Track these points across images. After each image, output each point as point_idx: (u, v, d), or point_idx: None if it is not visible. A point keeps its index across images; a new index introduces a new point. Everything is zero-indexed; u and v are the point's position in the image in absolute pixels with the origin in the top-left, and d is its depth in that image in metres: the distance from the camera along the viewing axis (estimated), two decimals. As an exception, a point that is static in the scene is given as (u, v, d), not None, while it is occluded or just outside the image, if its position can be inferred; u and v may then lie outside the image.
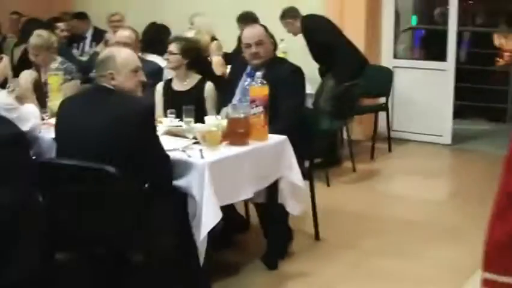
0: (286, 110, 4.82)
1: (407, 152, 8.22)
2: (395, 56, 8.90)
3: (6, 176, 3.02)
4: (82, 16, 9.77)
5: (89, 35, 9.62)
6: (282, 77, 4.95)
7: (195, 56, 5.45)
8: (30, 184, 3.22)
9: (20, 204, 3.08)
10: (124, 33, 6.11)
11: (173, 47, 5.34)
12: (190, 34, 6.56)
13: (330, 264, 4.84)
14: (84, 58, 8.46)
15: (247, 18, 7.58)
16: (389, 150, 8.15)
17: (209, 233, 3.98)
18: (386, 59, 8.83)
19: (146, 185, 3.96)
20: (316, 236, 5.26)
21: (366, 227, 5.64)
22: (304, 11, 7.78)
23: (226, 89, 5.38)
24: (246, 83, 4.74)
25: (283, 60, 5.51)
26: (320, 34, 7.54)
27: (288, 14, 7.72)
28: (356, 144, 7.87)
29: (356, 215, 5.93)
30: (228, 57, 7.30)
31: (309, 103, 6.69)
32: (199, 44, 6.01)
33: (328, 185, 6.67)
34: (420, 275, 4.63)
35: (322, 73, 7.64)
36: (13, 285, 3.15)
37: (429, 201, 6.39)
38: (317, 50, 7.54)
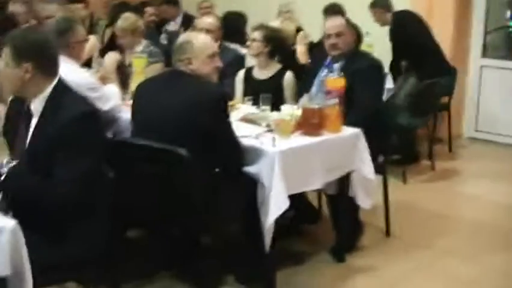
0: (361, 102, 4.82)
1: (490, 153, 8.03)
2: (484, 55, 8.70)
3: (77, 151, 3.13)
4: (171, 2, 9.91)
5: (178, 20, 9.75)
6: (361, 70, 4.95)
7: (277, 45, 5.50)
8: (101, 161, 3.32)
9: (89, 179, 3.19)
10: (207, 20, 6.20)
11: (256, 34, 5.41)
12: (275, 23, 6.63)
13: (398, 261, 4.82)
14: (164, 41, 8.58)
15: (332, 10, 7.58)
16: (452, 150, 8.06)
17: (277, 220, 4.04)
18: (474, 58, 8.67)
19: (217, 170, 4.04)
20: (387, 232, 5.25)
21: (438, 226, 5.57)
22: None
23: (305, 79, 5.42)
24: (323, 74, 4.76)
25: (364, 54, 5.51)
26: (410, 31, 7.50)
27: (380, 3, 7.70)
28: (437, 143, 7.77)
29: (430, 214, 5.85)
30: (312, 48, 7.31)
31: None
32: (282, 33, 6.05)
33: (404, 182, 6.62)
34: (489, 281, 4.57)
35: (395, 69, 7.59)
36: (75, 259, 3.27)
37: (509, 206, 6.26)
38: (403, 46, 7.48)
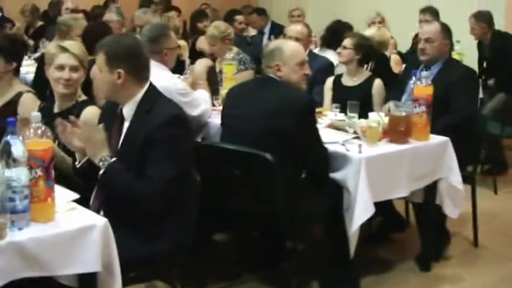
0: (459, 107, 4.84)
1: None
2: None
3: (168, 153, 3.23)
4: (261, 12, 10.05)
5: (267, 30, 9.90)
6: (455, 79, 4.96)
7: (368, 53, 5.52)
8: (190, 163, 3.42)
9: (179, 180, 3.28)
10: (296, 28, 6.29)
11: (346, 42, 5.45)
12: (371, 30, 6.66)
13: (485, 272, 4.76)
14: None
15: (428, 10, 7.63)
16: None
17: (363, 227, 4.06)
18: None
19: (303, 175, 4.09)
20: (475, 243, 5.18)
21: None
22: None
23: (395, 87, 5.43)
24: (412, 81, 4.74)
25: (458, 63, 5.47)
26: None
27: (484, 18, 7.65)
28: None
29: (521, 226, 5.76)
30: (401, 56, 7.30)
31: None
32: (373, 41, 6.06)
33: (495, 192, 6.51)
34: None
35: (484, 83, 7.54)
36: (162, 257, 3.37)
37: None
38: (500, 65, 7.41)
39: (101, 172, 3.26)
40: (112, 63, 3.33)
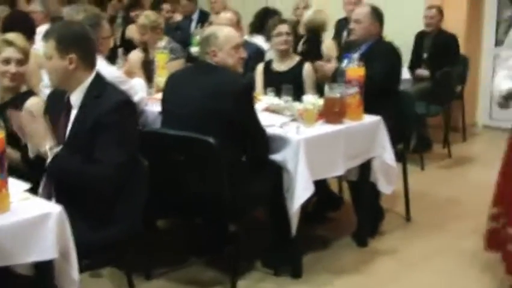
0: (369, 75, 4.75)
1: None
2: (497, 44, 8.75)
3: (118, 136, 3.27)
4: None
5: (195, 16, 9.88)
6: (376, 52, 5.13)
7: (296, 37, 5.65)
8: (137, 149, 3.46)
9: (129, 164, 3.33)
10: (225, 16, 6.36)
11: (285, 28, 5.51)
12: (309, 12, 6.76)
13: (418, 244, 4.95)
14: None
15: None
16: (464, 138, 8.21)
17: (301, 206, 4.17)
18: (487, 48, 8.76)
19: (243, 159, 4.18)
20: (407, 217, 5.38)
21: (455, 211, 5.69)
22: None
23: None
24: (344, 64, 4.88)
25: (385, 42, 5.62)
26: None
27: (441, 11, 8.01)
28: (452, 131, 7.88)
29: (447, 200, 5.98)
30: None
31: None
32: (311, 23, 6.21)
33: (422, 169, 6.74)
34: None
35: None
36: (115, 243, 3.40)
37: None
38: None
39: (48, 161, 3.26)
40: (63, 49, 3.33)
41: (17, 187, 3.02)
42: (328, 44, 6.78)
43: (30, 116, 3.35)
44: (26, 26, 5.52)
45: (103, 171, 3.24)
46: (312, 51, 6.01)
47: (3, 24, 5.96)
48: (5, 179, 2.79)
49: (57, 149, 3.28)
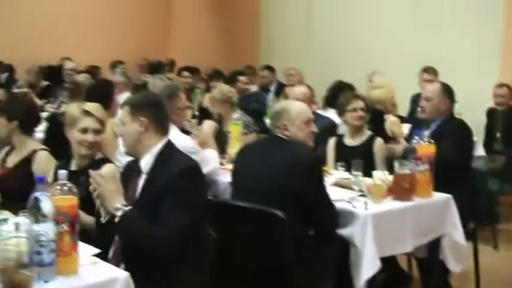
0: (439, 153, 4.73)
1: None
2: None
3: (184, 201, 3.34)
4: (271, 69, 10.18)
5: (273, 87, 10.05)
6: (449, 129, 5.13)
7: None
8: (205, 217, 3.52)
9: (194, 229, 3.38)
10: (299, 90, 6.45)
11: (361, 103, 5.60)
12: (376, 90, 6.80)
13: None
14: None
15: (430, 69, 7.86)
16: None
17: (369, 282, 4.14)
18: None
19: (311, 232, 4.20)
20: (478, 297, 5.27)
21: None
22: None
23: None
24: (414, 140, 4.88)
25: (456, 120, 5.61)
26: None
27: None
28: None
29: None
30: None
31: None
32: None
33: (495, 248, 6.61)
34: None
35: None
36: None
37: None
38: None
39: (116, 220, 3.33)
40: (135, 113, 3.50)
41: (86, 251, 3.11)
42: (392, 121, 6.80)
43: (105, 179, 3.45)
44: (106, 95, 5.73)
45: (165, 233, 3.29)
46: (376, 128, 6.01)
47: (86, 93, 6.19)
48: (76, 242, 2.90)
49: (126, 209, 3.35)
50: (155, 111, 3.57)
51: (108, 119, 4.41)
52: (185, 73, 10.01)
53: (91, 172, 3.46)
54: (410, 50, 9.65)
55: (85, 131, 4.02)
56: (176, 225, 3.30)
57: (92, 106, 4.17)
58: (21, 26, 11.84)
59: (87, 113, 4.05)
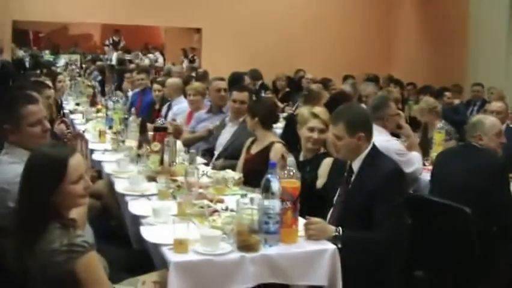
0: None
1: None
2: None
3: (395, 207, 3.33)
4: (482, 85, 9.85)
5: (479, 102, 9.74)
6: None
7: None
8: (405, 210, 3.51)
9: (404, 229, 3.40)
10: (496, 104, 6.25)
11: None
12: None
13: None
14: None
15: None
16: None
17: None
18: None
19: (494, 229, 4.05)
20: None
21: None
22: None
23: None
24: None
25: None
26: None
27: None
28: None
29: None
30: None
31: None
32: None
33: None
34: None
35: None
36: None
37: None
38: None
39: (340, 246, 3.11)
40: (352, 130, 3.44)
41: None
42: None
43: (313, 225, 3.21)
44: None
45: (387, 236, 3.25)
46: None
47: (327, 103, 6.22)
48: (297, 217, 3.05)
49: (341, 232, 3.20)
50: (369, 125, 3.54)
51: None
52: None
53: None
54: None
55: (311, 130, 4.13)
56: (394, 225, 3.28)
57: (319, 110, 4.28)
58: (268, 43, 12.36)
59: (314, 115, 4.16)
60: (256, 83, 10.76)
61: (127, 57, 16.80)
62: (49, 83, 6.64)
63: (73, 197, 2.57)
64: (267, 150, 4.64)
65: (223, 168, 4.65)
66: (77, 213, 2.77)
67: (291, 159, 3.15)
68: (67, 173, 2.53)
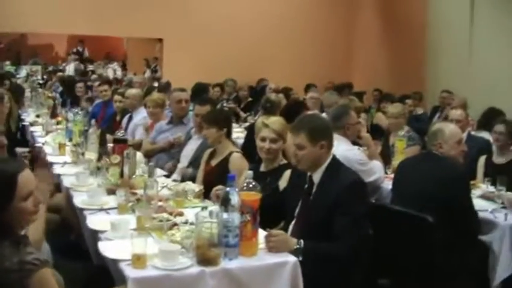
0: None
1: None
2: None
3: (353, 216, 3.29)
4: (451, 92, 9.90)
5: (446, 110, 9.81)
6: None
7: None
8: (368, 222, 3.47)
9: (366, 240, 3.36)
10: (456, 112, 6.25)
11: (501, 128, 5.32)
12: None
13: None
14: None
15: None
16: None
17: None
18: None
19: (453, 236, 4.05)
20: None
21: None
22: None
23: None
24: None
25: None
26: None
27: None
28: None
29: None
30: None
31: None
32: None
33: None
34: None
35: None
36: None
37: None
38: None
39: (300, 259, 3.07)
40: (314, 139, 3.41)
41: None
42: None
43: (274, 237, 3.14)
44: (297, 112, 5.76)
45: (348, 247, 3.23)
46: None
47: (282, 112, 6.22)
48: (257, 230, 3.01)
49: (302, 245, 3.17)
50: (330, 134, 3.51)
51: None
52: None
53: None
54: None
55: (263, 139, 4.06)
56: (356, 237, 3.25)
57: (273, 119, 4.19)
58: (231, 53, 12.40)
59: (265, 125, 4.08)
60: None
61: (90, 67, 16.64)
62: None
63: (23, 214, 2.48)
64: (226, 160, 4.61)
65: (191, 178, 4.64)
66: (35, 228, 2.69)
67: (249, 172, 3.11)
68: (17, 190, 2.44)
